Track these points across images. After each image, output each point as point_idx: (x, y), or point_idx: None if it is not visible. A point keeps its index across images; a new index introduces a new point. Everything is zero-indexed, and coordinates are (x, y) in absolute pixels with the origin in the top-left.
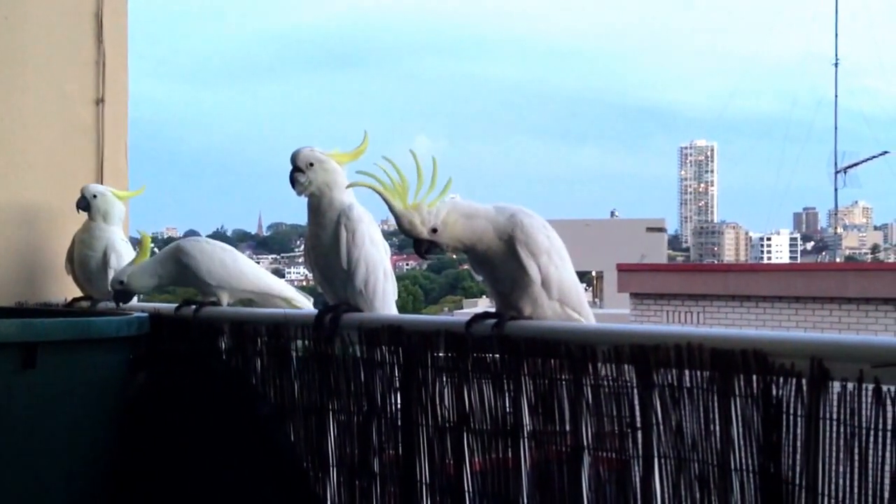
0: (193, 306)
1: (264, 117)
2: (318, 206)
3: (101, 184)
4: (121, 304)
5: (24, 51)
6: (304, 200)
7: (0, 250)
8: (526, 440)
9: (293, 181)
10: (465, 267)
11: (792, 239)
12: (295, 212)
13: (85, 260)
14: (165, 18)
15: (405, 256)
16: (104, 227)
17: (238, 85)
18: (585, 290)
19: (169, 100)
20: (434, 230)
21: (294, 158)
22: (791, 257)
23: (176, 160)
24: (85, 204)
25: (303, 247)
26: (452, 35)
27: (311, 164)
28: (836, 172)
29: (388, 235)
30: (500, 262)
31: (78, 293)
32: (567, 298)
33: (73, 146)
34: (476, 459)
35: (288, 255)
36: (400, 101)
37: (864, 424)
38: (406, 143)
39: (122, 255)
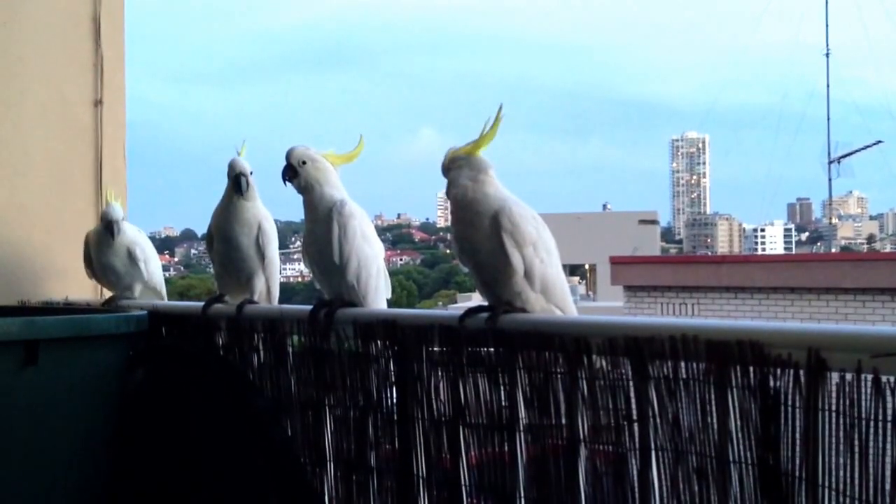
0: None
1: (260, 117)
2: (310, 202)
3: (101, 183)
4: None
5: (22, 54)
6: (298, 199)
7: (2, 250)
8: (522, 434)
9: (285, 178)
10: (458, 261)
11: (786, 230)
12: (289, 209)
13: (110, 263)
14: (161, 21)
15: (399, 252)
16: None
17: (234, 85)
18: (579, 282)
19: (165, 101)
20: (448, 170)
21: (288, 156)
22: (786, 248)
23: (172, 160)
24: (117, 228)
25: (299, 243)
26: (444, 33)
27: (304, 163)
28: (830, 162)
29: (381, 231)
30: (484, 250)
31: (79, 293)
32: (551, 294)
33: (72, 147)
34: (472, 453)
35: (283, 251)
36: (397, 99)
37: (863, 415)
38: (407, 138)
39: (145, 247)
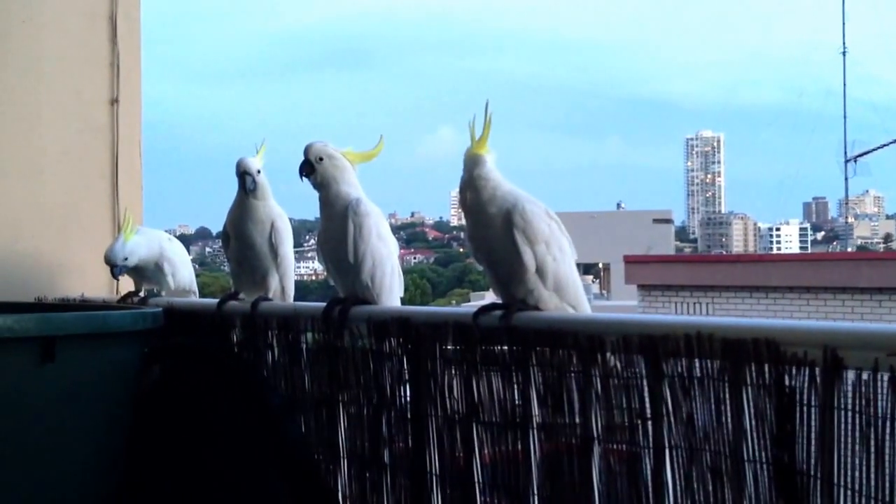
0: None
1: (277, 116)
2: (326, 199)
3: (117, 180)
4: None
5: (40, 53)
6: (312, 197)
7: (19, 247)
8: (535, 432)
9: (302, 173)
10: (472, 260)
11: (802, 229)
12: (303, 207)
13: (142, 266)
14: (177, 21)
15: (412, 251)
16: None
17: (250, 84)
18: (593, 281)
19: (181, 100)
20: (465, 169)
21: (306, 151)
22: (801, 247)
23: (187, 159)
24: (118, 270)
25: (313, 241)
26: (458, 32)
27: (322, 159)
28: (846, 161)
29: (395, 230)
30: (497, 247)
31: (95, 289)
32: (564, 292)
33: (89, 145)
34: (486, 451)
35: (298, 249)
36: (411, 98)
37: (879, 414)
38: (421, 137)
39: (173, 259)
